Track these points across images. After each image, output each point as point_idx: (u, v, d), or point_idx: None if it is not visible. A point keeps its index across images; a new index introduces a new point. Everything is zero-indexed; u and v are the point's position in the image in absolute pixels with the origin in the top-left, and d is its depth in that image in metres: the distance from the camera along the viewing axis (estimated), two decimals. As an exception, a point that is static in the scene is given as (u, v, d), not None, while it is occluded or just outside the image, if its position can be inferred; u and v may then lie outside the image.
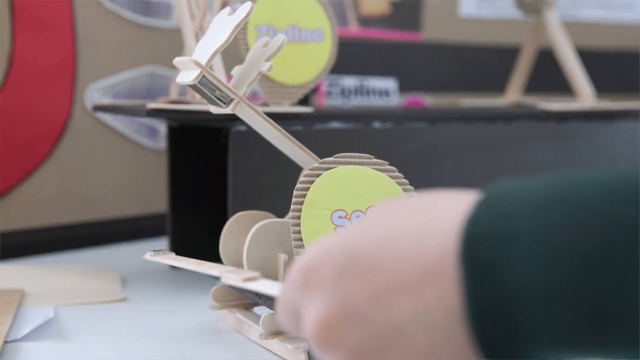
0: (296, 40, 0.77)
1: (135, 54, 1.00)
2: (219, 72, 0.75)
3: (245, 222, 0.64)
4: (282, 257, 0.60)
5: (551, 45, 1.07)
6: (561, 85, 1.13)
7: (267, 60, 0.59)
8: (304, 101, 0.89)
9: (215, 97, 0.57)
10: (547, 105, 0.98)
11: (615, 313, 0.27)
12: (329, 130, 0.81)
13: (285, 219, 0.62)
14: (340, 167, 0.57)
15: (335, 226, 0.55)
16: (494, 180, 0.31)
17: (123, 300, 0.72)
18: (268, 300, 0.57)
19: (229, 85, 0.58)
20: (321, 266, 0.33)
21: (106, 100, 0.97)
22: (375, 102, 1.14)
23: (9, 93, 0.90)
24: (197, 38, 0.79)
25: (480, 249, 0.29)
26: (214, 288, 0.65)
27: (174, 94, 0.88)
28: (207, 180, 0.89)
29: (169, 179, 0.88)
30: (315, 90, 1.02)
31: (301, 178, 0.57)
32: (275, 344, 0.57)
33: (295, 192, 0.56)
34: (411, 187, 0.58)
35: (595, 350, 0.28)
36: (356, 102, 1.13)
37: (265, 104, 0.77)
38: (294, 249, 0.55)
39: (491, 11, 1.29)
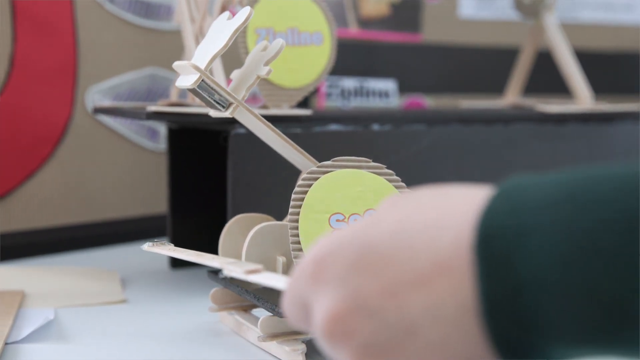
0: (295, 43, 0.77)
1: (135, 55, 1.01)
2: (219, 76, 0.75)
3: (244, 224, 0.64)
4: (281, 259, 0.60)
5: (549, 48, 1.07)
6: (560, 87, 1.13)
7: (266, 64, 0.59)
8: (304, 103, 0.90)
9: (215, 100, 0.58)
10: (546, 107, 0.98)
11: (631, 310, 0.26)
12: (327, 133, 0.81)
13: (284, 222, 0.62)
14: (338, 171, 0.57)
15: (333, 229, 0.56)
16: (504, 177, 0.31)
17: (123, 301, 0.73)
18: (266, 303, 0.57)
19: (228, 89, 0.58)
20: (332, 259, 0.33)
21: (107, 102, 0.98)
22: (375, 103, 1.15)
23: (10, 94, 0.90)
24: (197, 40, 0.79)
25: (495, 243, 0.28)
26: (213, 290, 0.65)
27: (174, 96, 0.88)
28: (207, 182, 0.90)
29: (169, 180, 0.89)
30: (315, 91, 1.03)
31: (299, 181, 0.57)
32: (273, 345, 0.58)
33: (293, 195, 0.56)
34: (409, 189, 0.59)
35: (610, 347, 0.28)
36: (356, 103, 1.13)
37: (264, 107, 0.78)
38: (291, 252, 0.55)
39: (490, 13, 1.30)
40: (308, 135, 0.79)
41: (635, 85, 1.36)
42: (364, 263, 0.32)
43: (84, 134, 0.97)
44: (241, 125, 0.64)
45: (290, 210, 0.55)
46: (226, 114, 0.58)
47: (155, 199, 1.03)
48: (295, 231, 0.55)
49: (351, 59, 1.17)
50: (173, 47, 1.00)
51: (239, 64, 0.65)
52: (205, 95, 0.57)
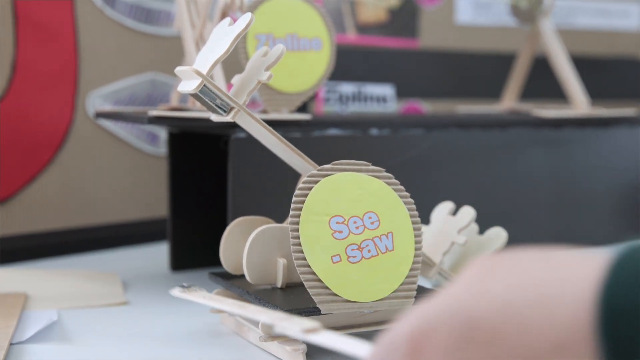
0: (295, 48, 0.78)
1: (136, 61, 1.02)
2: (220, 81, 0.76)
3: (245, 227, 0.65)
4: (282, 261, 0.61)
5: (546, 53, 1.08)
6: (556, 93, 1.14)
7: (267, 69, 0.60)
8: (303, 108, 0.91)
9: (216, 105, 0.59)
10: (542, 112, 0.99)
11: None
12: (327, 137, 0.82)
13: (284, 224, 0.63)
14: (338, 174, 0.58)
15: (333, 231, 0.57)
16: (625, 242, 0.29)
17: (124, 303, 0.74)
18: (268, 304, 0.58)
19: (229, 94, 0.59)
20: (433, 336, 0.30)
21: (107, 107, 0.99)
22: (373, 108, 1.15)
23: (12, 99, 0.91)
24: (198, 46, 0.80)
25: (621, 322, 0.26)
26: (214, 291, 0.66)
27: (174, 101, 0.89)
28: (207, 186, 0.90)
29: (169, 184, 0.90)
30: (313, 97, 1.03)
31: (300, 184, 0.58)
32: (274, 346, 0.58)
33: (294, 198, 0.57)
34: (407, 193, 0.60)
35: None
36: (354, 108, 1.14)
37: (264, 111, 0.79)
38: (292, 254, 0.56)
39: (487, 19, 1.31)
40: (307, 140, 0.80)
41: (633, 91, 1.37)
42: (470, 341, 0.29)
43: (85, 138, 0.98)
44: (241, 130, 0.65)
45: (291, 212, 0.56)
46: (228, 118, 0.59)
47: (155, 202, 1.03)
48: (296, 233, 0.56)
49: (349, 64, 1.18)
50: (173, 52, 1.01)
51: (238, 68, 0.66)
52: (207, 100, 0.58)
